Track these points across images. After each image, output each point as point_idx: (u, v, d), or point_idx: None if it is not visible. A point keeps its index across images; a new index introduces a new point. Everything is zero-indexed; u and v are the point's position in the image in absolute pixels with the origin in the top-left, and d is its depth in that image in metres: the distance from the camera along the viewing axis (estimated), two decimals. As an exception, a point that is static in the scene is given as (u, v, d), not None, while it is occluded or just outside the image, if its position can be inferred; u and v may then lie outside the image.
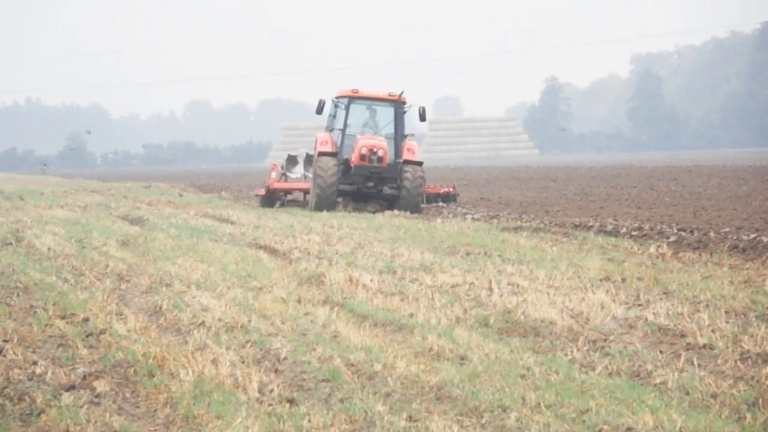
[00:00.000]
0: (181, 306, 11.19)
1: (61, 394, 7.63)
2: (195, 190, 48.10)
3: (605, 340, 9.39)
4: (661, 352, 8.90)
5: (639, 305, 10.90)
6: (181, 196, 40.84)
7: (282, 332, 9.81)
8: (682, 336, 9.36)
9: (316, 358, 8.69)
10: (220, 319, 10.38)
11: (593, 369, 8.35)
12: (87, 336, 9.74)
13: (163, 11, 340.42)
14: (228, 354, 8.80)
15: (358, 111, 29.02)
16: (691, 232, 17.76)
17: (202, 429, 6.93)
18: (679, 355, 8.72)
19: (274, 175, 30.93)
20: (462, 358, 8.74)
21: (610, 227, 19.39)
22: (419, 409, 7.23)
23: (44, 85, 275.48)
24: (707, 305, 10.67)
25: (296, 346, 9.12)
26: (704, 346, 8.96)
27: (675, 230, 18.11)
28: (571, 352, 8.93)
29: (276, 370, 8.33)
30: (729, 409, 7.18)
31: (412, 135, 28.87)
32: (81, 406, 7.35)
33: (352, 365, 8.41)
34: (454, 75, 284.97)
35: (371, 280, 12.98)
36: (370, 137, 28.08)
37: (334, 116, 29.12)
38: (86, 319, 10.48)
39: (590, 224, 20.11)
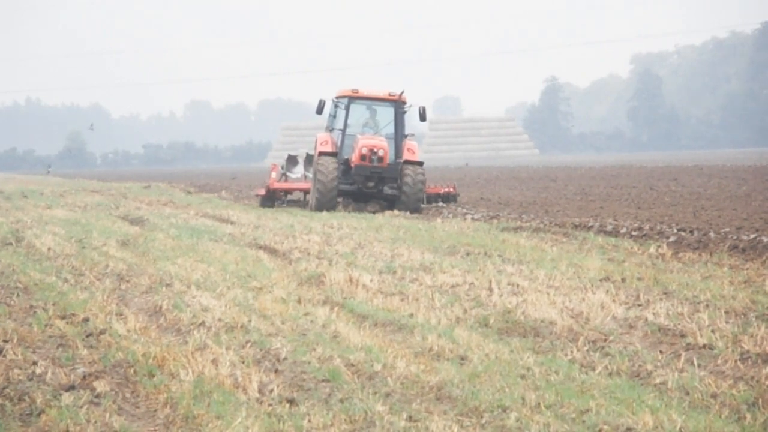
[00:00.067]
0: (181, 306, 11.19)
1: (61, 394, 7.63)
2: (195, 190, 48.11)
3: (605, 340, 9.39)
4: (661, 352, 8.90)
5: (639, 305, 10.90)
6: (189, 193, 40.89)
7: (282, 332, 9.82)
8: (682, 336, 9.36)
9: (316, 358, 8.69)
10: (220, 319, 10.38)
11: (593, 369, 8.35)
12: (87, 336, 9.74)
13: (163, 11, 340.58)
14: (228, 354, 8.80)
15: (359, 111, 29.01)
16: (691, 232, 17.76)
17: (202, 429, 6.93)
18: (679, 355, 8.72)
19: (274, 175, 30.92)
20: (462, 358, 8.74)
21: (610, 227, 19.39)
22: (419, 409, 7.23)
23: (44, 85, 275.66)
24: (707, 305, 10.67)
25: (296, 346, 9.12)
26: (704, 346, 8.96)
27: (675, 230, 18.11)
28: (571, 352, 8.93)
29: (276, 370, 8.33)
30: (729, 409, 7.18)
31: (413, 135, 28.85)
32: (81, 406, 7.35)
33: (352, 365, 8.41)
34: (454, 75, 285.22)
35: (371, 280, 12.99)
36: (370, 137, 28.08)
37: (335, 116, 29.12)
38: (86, 319, 10.48)
39: (590, 224, 20.11)
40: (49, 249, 17.00)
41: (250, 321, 10.30)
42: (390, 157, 27.88)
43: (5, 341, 9.30)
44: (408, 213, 26.56)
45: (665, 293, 11.58)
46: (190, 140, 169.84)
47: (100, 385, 7.86)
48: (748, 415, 7.02)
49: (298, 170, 31.87)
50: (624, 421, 6.84)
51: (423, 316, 10.61)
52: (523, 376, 8.07)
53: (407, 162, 27.78)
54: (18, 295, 12.25)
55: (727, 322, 9.74)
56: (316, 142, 28.75)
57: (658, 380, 7.95)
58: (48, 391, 7.69)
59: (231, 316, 10.49)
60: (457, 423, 6.92)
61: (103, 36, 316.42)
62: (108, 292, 12.38)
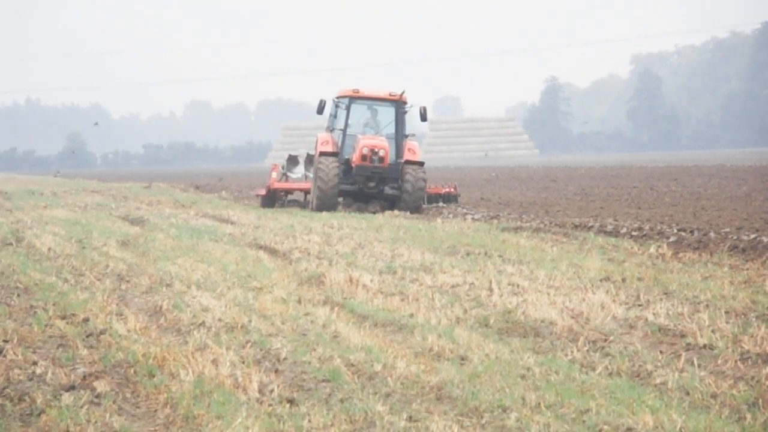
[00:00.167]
0: (181, 306, 11.19)
1: (61, 395, 7.63)
2: (195, 190, 48.11)
3: (605, 340, 9.39)
4: (661, 352, 8.90)
5: (639, 305, 10.90)
6: (197, 187, 40.85)
7: (282, 332, 9.82)
8: (683, 336, 9.36)
9: (316, 358, 8.69)
10: (220, 320, 10.38)
11: (593, 369, 8.36)
12: (87, 336, 9.74)
13: (163, 11, 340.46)
14: (228, 354, 8.80)
15: (359, 111, 29.00)
16: (691, 232, 17.76)
17: (202, 429, 6.93)
18: (679, 355, 8.72)
19: (274, 175, 30.91)
20: (462, 359, 8.74)
21: (610, 227, 19.39)
22: (419, 410, 7.23)
23: (44, 85, 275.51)
24: (707, 305, 10.67)
25: (296, 347, 9.12)
26: (704, 346, 8.97)
27: (675, 230, 18.11)
28: (572, 352, 8.93)
29: (276, 371, 8.33)
30: (729, 410, 7.18)
31: (413, 135, 28.82)
32: (81, 407, 7.35)
33: (353, 365, 8.41)
34: (454, 75, 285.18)
35: (371, 281, 12.99)
36: (371, 137, 28.07)
37: (335, 116, 29.11)
38: (86, 320, 10.48)
39: (590, 224, 20.11)
40: (49, 249, 17.00)
41: (250, 321, 10.30)
42: (391, 158, 27.87)
43: (5, 341, 9.30)
44: (408, 213, 26.56)
45: (665, 293, 11.59)
46: (190, 140, 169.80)
47: (101, 385, 7.86)
48: (749, 416, 7.02)
49: (299, 170, 31.86)
50: (624, 421, 6.85)
51: (423, 316, 10.61)
52: (523, 376, 8.07)
53: (408, 162, 27.76)
54: (18, 295, 12.25)
55: (727, 322, 9.74)
56: (316, 142, 28.74)
57: (658, 380, 7.95)
58: (48, 391, 7.69)
59: (231, 316, 10.50)
60: (457, 423, 6.93)
61: (103, 36, 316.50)
62: (108, 292, 12.38)
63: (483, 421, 6.99)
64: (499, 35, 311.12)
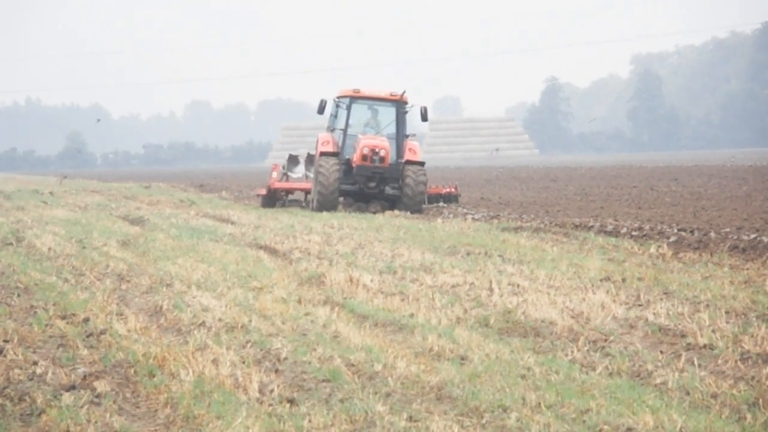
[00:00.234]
0: (181, 306, 11.19)
1: (61, 395, 7.63)
2: (195, 189, 48.11)
3: (606, 340, 9.39)
4: (661, 352, 8.91)
5: (639, 305, 10.90)
6: (202, 185, 40.87)
7: (282, 332, 9.82)
8: (683, 336, 9.36)
9: (316, 358, 8.69)
10: (220, 320, 10.38)
11: (594, 369, 8.36)
12: (87, 336, 9.74)
13: (163, 11, 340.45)
14: (228, 354, 8.80)
15: (360, 111, 28.98)
16: (692, 232, 17.76)
17: (202, 429, 6.93)
18: (680, 355, 8.72)
19: (275, 174, 30.90)
20: (462, 359, 8.74)
21: (610, 227, 19.39)
22: (419, 410, 7.23)
23: (44, 85, 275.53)
24: (707, 305, 10.67)
25: (296, 347, 9.12)
26: (705, 346, 8.97)
27: (675, 230, 18.11)
28: (572, 352, 8.93)
29: (276, 371, 8.33)
30: (729, 410, 7.18)
31: (414, 135, 28.81)
32: (81, 407, 7.35)
33: (353, 365, 8.41)
34: (454, 75, 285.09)
35: (371, 281, 12.99)
36: (371, 137, 28.06)
37: (336, 116, 29.09)
38: (86, 320, 10.48)
39: (590, 224, 20.11)
40: (49, 249, 17.00)
41: (250, 321, 10.31)
42: (391, 158, 27.86)
43: (6, 341, 9.30)
44: (408, 213, 26.55)
45: (666, 293, 11.59)
46: (190, 140, 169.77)
47: (101, 385, 7.86)
48: (749, 415, 7.02)
49: (299, 170, 31.86)
50: (624, 421, 6.85)
51: (423, 316, 10.61)
52: (523, 376, 8.07)
53: (409, 162, 27.74)
54: (18, 295, 12.25)
55: (727, 322, 9.74)
56: (317, 142, 28.72)
57: (658, 380, 7.95)
58: (48, 391, 7.69)
59: (231, 316, 10.50)
60: (457, 423, 6.93)
61: (103, 36, 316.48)
62: (108, 292, 12.38)
63: (483, 421, 6.99)
64: (499, 35, 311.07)
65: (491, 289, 11.98)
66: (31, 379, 8.04)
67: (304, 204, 30.45)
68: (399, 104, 28.49)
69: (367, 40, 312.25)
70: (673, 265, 14.30)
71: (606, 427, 6.78)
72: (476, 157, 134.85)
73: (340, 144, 28.44)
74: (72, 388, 7.81)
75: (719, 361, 8.49)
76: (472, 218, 23.88)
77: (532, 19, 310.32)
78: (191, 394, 7.60)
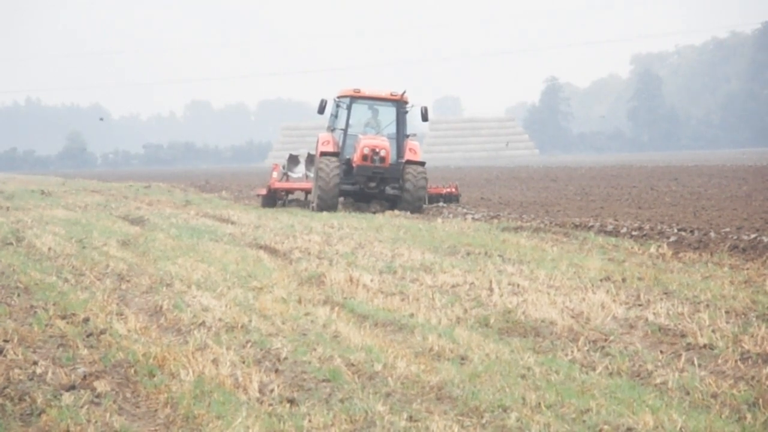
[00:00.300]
0: (181, 306, 11.20)
1: (61, 394, 7.63)
2: (195, 189, 48.11)
3: (606, 340, 9.39)
4: (661, 352, 8.91)
5: (639, 305, 10.90)
6: (207, 182, 40.80)
7: (282, 332, 9.82)
8: (683, 336, 9.36)
9: (316, 358, 8.69)
10: (220, 319, 10.38)
11: (594, 369, 8.36)
12: (87, 336, 9.75)
13: (163, 11, 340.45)
14: (228, 354, 8.80)
15: (360, 111, 28.97)
16: (692, 232, 17.76)
17: (202, 429, 6.93)
18: (680, 355, 8.72)
19: (275, 174, 30.89)
20: (462, 358, 8.74)
21: (610, 227, 19.39)
22: (420, 409, 7.23)
23: (44, 85, 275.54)
24: (707, 305, 10.67)
25: (297, 346, 9.12)
26: (705, 346, 8.97)
27: (675, 230, 18.11)
28: (572, 352, 8.93)
29: (276, 370, 8.33)
30: (729, 409, 7.18)
31: (415, 135, 28.80)
32: (81, 406, 7.35)
33: (353, 365, 8.41)
34: (454, 75, 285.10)
35: (371, 280, 12.99)
36: (372, 137, 28.06)
37: (336, 116, 29.08)
38: (86, 319, 10.48)
39: (590, 224, 20.11)
40: (49, 249, 17.00)
41: (250, 321, 10.31)
42: (392, 158, 27.86)
43: (6, 341, 9.30)
44: (408, 213, 26.55)
45: (666, 293, 11.59)
46: (190, 140, 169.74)
47: (101, 385, 7.86)
48: (749, 415, 7.02)
49: (300, 170, 31.85)
50: (624, 421, 6.85)
51: (423, 316, 10.61)
52: (523, 376, 8.07)
53: (409, 162, 27.73)
54: (18, 295, 12.25)
55: (727, 322, 9.75)
56: (317, 141, 28.72)
57: (658, 380, 7.95)
58: (48, 391, 7.69)
59: (231, 316, 10.50)
60: (457, 423, 6.93)
61: (103, 36, 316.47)
62: (108, 292, 12.38)
63: (483, 421, 6.99)
64: (499, 35, 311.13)
65: (491, 289, 11.98)
66: (31, 379, 8.04)
67: (309, 205, 30.42)
68: (399, 104, 28.49)
69: (367, 40, 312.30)
70: (673, 265, 14.30)
71: (606, 427, 6.78)
72: (476, 157, 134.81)
73: (341, 144, 28.43)
74: (72, 388, 7.81)
75: (719, 361, 8.49)
76: (472, 218, 23.88)
77: (532, 19, 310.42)
78: (191, 394, 7.60)
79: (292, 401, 7.44)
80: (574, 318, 10.27)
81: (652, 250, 15.99)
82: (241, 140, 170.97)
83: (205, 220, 24.15)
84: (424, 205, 27.79)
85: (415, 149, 28.01)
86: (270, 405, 7.36)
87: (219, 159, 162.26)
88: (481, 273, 13.46)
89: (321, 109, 28.69)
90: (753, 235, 16.34)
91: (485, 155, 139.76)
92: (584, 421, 6.90)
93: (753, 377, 7.94)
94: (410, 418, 7.01)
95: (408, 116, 28.76)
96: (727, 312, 10.28)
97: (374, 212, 26.81)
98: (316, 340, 9.40)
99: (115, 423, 7.05)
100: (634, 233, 18.27)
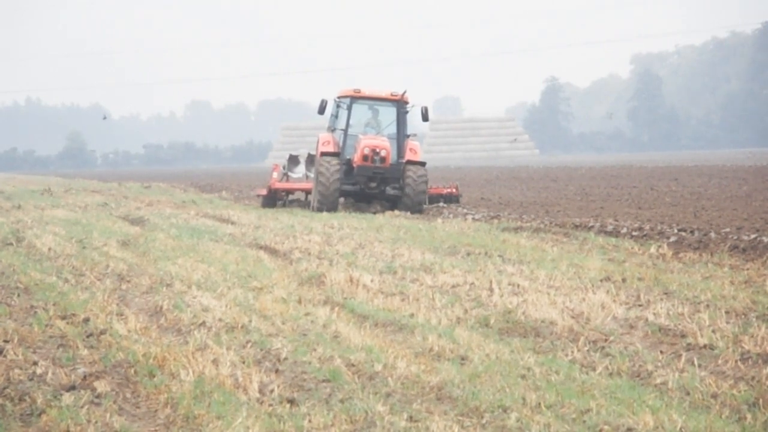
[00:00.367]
0: (181, 306, 11.20)
1: (61, 395, 7.63)
2: (195, 190, 48.11)
3: (606, 340, 9.39)
4: (661, 352, 8.91)
5: (639, 305, 10.90)
6: (210, 184, 40.86)
7: (282, 332, 9.82)
8: (683, 336, 9.36)
9: (316, 358, 8.69)
10: (220, 320, 10.38)
11: (594, 369, 8.36)
12: (87, 336, 9.75)
13: (163, 11, 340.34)
14: (228, 354, 8.80)
15: (361, 111, 28.96)
16: (692, 232, 17.76)
17: (202, 429, 6.93)
18: (680, 355, 8.72)
19: (275, 175, 30.88)
20: (462, 359, 8.74)
21: (610, 227, 19.39)
22: (420, 410, 7.23)
23: (44, 85, 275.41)
24: (708, 305, 10.67)
25: (297, 347, 9.12)
26: (705, 346, 8.97)
27: (675, 230, 18.11)
28: (572, 352, 8.93)
29: (276, 371, 8.33)
30: (729, 410, 7.18)
31: (415, 135, 28.78)
32: (81, 407, 7.35)
33: (353, 365, 8.41)
34: (454, 75, 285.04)
35: (372, 281, 12.99)
36: (372, 137, 28.05)
37: (336, 116, 29.06)
38: (87, 320, 10.48)
39: (591, 224, 20.11)
40: (49, 249, 17.00)
41: (250, 321, 10.31)
42: (392, 158, 27.84)
43: (6, 341, 9.30)
44: (408, 213, 26.54)
45: (666, 293, 11.59)
46: (190, 140, 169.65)
47: (101, 385, 7.86)
48: (749, 416, 7.02)
49: (300, 170, 31.84)
50: (624, 421, 6.85)
51: (423, 316, 10.61)
52: (523, 377, 8.07)
53: (409, 162, 27.72)
54: (18, 295, 12.25)
55: (727, 323, 9.75)
56: (318, 142, 28.70)
57: (658, 380, 7.95)
58: (48, 392, 7.69)
59: (231, 317, 10.50)
60: (457, 423, 6.93)
61: (103, 36, 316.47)
62: (108, 292, 12.38)
63: (483, 421, 6.99)
64: (499, 35, 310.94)
65: (491, 289, 11.98)
66: (31, 379, 8.04)
67: (309, 205, 30.41)
68: (400, 104, 28.48)
69: (367, 40, 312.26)
70: (673, 265, 14.30)
71: (606, 427, 6.78)
72: (476, 157, 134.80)
73: (341, 144, 28.42)
74: (72, 388, 7.81)
75: (719, 361, 8.49)
76: (472, 218, 23.88)
77: (532, 19, 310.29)
78: (191, 394, 7.60)
79: (292, 401, 7.44)
80: (575, 318, 10.27)
81: (653, 250, 15.99)
82: (241, 140, 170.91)
83: (205, 221, 24.15)
84: (425, 206, 27.78)
85: (416, 149, 28.00)
86: (270, 405, 7.36)
87: (219, 159, 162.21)
88: (482, 273, 13.46)
89: (321, 110, 28.67)
90: (753, 236, 16.34)
91: (485, 155, 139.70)
92: (584, 422, 6.90)
93: (753, 377, 7.94)
94: (410, 419, 7.01)
95: (408, 116, 28.75)
96: (727, 312, 10.28)
97: (374, 212, 26.81)
98: (316, 341, 9.40)
99: (115, 423, 7.05)
100: (634, 233, 18.27)
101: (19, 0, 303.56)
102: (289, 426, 6.88)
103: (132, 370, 8.39)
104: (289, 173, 31.72)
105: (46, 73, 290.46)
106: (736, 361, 8.43)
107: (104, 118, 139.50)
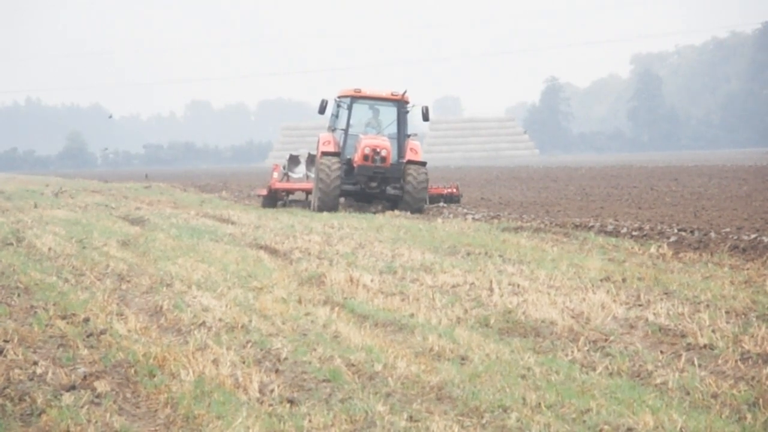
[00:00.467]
0: (181, 306, 11.20)
1: (61, 395, 7.63)
2: (195, 190, 48.11)
3: (606, 340, 9.39)
4: (661, 352, 8.91)
5: (639, 305, 10.90)
6: (216, 184, 40.87)
7: (282, 332, 9.82)
8: (683, 336, 9.36)
9: (316, 358, 8.69)
10: (220, 320, 10.38)
11: (594, 369, 8.36)
12: (87, 336, 9.75)
13: (163, 11, 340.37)
14: (228, 354, 8.80)
15: (361, 111, 28.94)
16: (692, 232, 17.76)
17: (202, 429, 6.93)
18: (680, 355, 8.72)
19: (276, 175, 30.88)
20: (462, 359, 8.74)
21: (610, 227, 19.39)
22: (420, 410, 7.23)
23: (44, 85, 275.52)
24: (708, 305, 10.67)
25: (297, 347, 9.12)
26: (705, 346, 8.97)
27: (675, 230, 18.10)
28: (572, 352, 8.93)
29: (276, 371, 8.33)
30: (729, 410, 7.18)
31: (415, 135, 28.77)
32: (81, 407, 7.35)
33: (353, 365, 8.41)
34: (454, 75, 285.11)
35: (372, 281, 12.99)
36: (373, 137, 28.04)
37: (337, 116, 29.05)
38: (87, 320, 10.48)
39: (591, 224, 20.11)
40: (49, 249, 17.00)
41: (250, 321, 10.31)
42: (393, 157, 27.84)
43: (6, 341, 9.30)
44: (409, 213, 26.53)
45: (666, 293, 11.59)
46: (190, 140, 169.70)
47: (101, 385, 7.86)
48: (749, 415, 7.02)
49: (300, 170, 31.83)
50: (624, 421, 6.85)
51: (423, 316, 10.61)
52: (523, 376, 8.07)
53: (410, 162, 27.70)
54: (19, 295, 12.25)
55: (727, 322, 9.75)
56: (318, 142, 28.69)
57: (658, 380, 7.95)
58: (48, 391, 7.69)
59: (232, 316, 10.50)
60: (457, 423, 6.93)
61: (103, 36, 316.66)
62: (108, 292, 12.38)
63: (483, 421, 6.99)
64: (499, 35, 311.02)
65: (491, 289, 11.98)
66: (31, 379, 8.04)
67: (305, 204, 30.41)
68: (400, 104, 28.47)
69: (367, 40, 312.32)
70: (674, 265, 14.30)
71: (606, 427, 6.78)
72: (476, 157, 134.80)
73: (342, 144, 28.42)
74: (72, 388, 7.81)
75: (719, 361, 8.49)
76: (473, 218, 23.87)
77: (532, 19, 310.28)
78: (191, 394, 7.60)
79: (292, 401, 7.44)
80: (575, 318, 10.27)
81: (653, 250, 15.99)
82: (241, 140, 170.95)
83: (206, 220, 24.14)
84: (425, 206, 27.76)
85: (416, 149, 27.98)
86: (270, 405, 7.36)
87: (219, 159, 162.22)
88: (482, 273, 13.46)
89: (322, 109, 28.65)
90: (753, 236, 16.34)
91: (485, 155, 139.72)
92: (584, 422, 6.90)
93: (753, 377, 7.94)
94: (410, 419, 7.01)
95: (408, 116, 28.74)
96: (727, 312, 10.28)
97: (375, 212, 26.80)
98: (316, 341, 9.40)
99: (115, 423, 7.05)
100: (634, 233, 18.27)
101: (19, 0, 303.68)
102: (289, 426, 6.88)
103: (132, 370, 8.39)
104: (290, 173, 31.71)
105: (46, 73, 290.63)
106: (736, 361, 8.43)
107: (110, 117, 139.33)
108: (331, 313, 10.78)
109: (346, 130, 28.57)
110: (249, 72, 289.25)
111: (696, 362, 8.43)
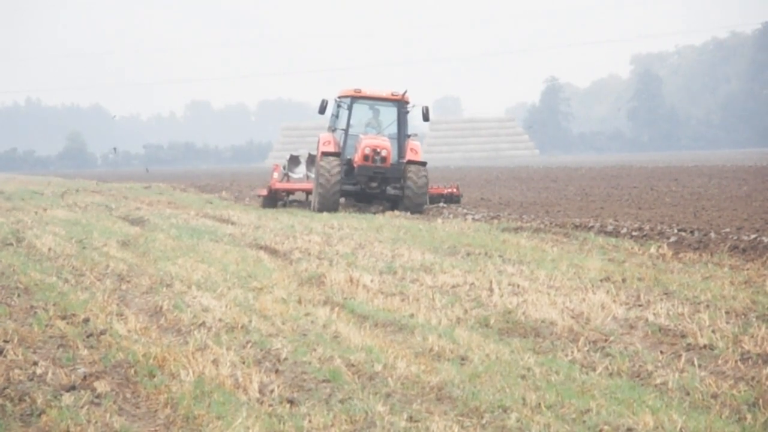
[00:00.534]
0: (181, 306, 11.20)
1: (61, 395, 7.63)
2: (195, 190, 48.10)
3: (606, 340, 9.39)
4: (661, 352, 8.91)
5: (639, 306, 10.91)
6: (223, 184, 40.88)
7: (282, 333, 9.82)
8: (683, 336, 9.36)
9: (316, 358, 8.69)
10: (220, 320, 10.38)
11: (594, 369, 8.36)
12: (87, 336, 9.75)
13: (163, 11, 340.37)
14: (228, 354, 8.80)
15: (361, 111, 28.93)
16: (692, 232, 17.76)
17: (202, 429, 6.93)
18: (680, 355, 8.72)
19: (276, 175, 30.87)
20: (462, 359, 8.74)
21: (610, 228, 19.39)
22: (420, 410, 7.23)
23: (44, 85, 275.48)
24: (708, 306, 10.68)
25: (297, 347, 9.12)
26: (705, 346, 8.97)
27: (675, 231, 18.10)
28: (572, 352, 8.93)
29: (276, 371, 8.33)
30: (729, 410, 7.18)
31: (416, 135, 28.77)
32: (81, 407, 7.35)
33: (353, 366, 8.41)
34: (454, 75, 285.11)
35: (372, 281, 12.99)
36: (373, 137, 28.04)
37: (337, 116, 29.04)
38: (87, 320, 10.49)
39: (591, 225, 20.11)
40: (49, 249, 17.00)
41: (250, 321, 10.31)
42: (393, 158, 27.83)
43: (6, 341, 9.30)
44: (409, 213, 26.52)
45: (666, 293, 11.59)
46: (190, 140, 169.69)
47: (101, 386, 7.86)
48: (749, 416, 7.02)
49: (300, 170, 31.83)
50: (624, 421, 6.85)
51: (423, 316, 10.61)
52: (523, 377, 8.07)
53: (410, 162, 27.69)
54: (18, 295, 12.25)
55: (727, 323, 9.75)
56: (318, 142, 28.69)
57: (658, 380, 7.95)
58: (48, 392, 7.69)
59: (231, 317, 10.50)
60: (457, 423, 6.93)
61: (103, 36, 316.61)
62: (108, 292, 12.38)
63: (483, 422, 6.99)
64: (499, 35, 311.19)
65: (491, 290, 11.98)
66: (31, 380, 8.04)
67: (305, 204, 30.41)
68: (400, 104, 28.46)
69: (368, 40, 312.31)
70: (673, 265, 14.30)
71: (606, 427, 6.78)
72: (476, 157, 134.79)
73: (342, 144, 28.41)
74: (72, 388, 7.81)
75: (719, 362, 8.49)
76: (473, 218, 23.87)
77: (532, 19, 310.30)
78: (191, 394, 7.60)
79: (292, 401, 7.44)
80: (574, 318, 10.27)
81: (653, 250, 15.99)
82: (241, 140, 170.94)
83: (205, 221, 24.15)
84: (425, 206, 27.76)
85: (417, 149, 27.97)
86: (270, 405, 7.36)
87: (219, 159, 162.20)
88: (482, 273, 13.46)
89: (322, 110, 28.65)
90: (753, 236, 16.34)
91: (485, 155, 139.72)
92: (584, 422, 6.90)
93: (753, 377, 7.94)
94: (410, 419, 7.01)
95: (409, 116, 28.73)
96: (727, 312, 10.28)
97: (375, 212, 26.80)
98: (316, 341, 9.40)
99: (115, 423, 7.05)
100: (634, 233, 18.27)
101: (19, 0, 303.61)
102: (289, 426, 6.88)
103: (132, 370, 8.39)
104: (290, 173, 31.71)
105: (46, 73, 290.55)
106: (736, 361, 8.43)
107: (114, 117, 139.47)
108: (331, 313, 10.79)
109: (346, 131, 28.56)
110: (249, 72, 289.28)
111: (696, 362, 8.43)
